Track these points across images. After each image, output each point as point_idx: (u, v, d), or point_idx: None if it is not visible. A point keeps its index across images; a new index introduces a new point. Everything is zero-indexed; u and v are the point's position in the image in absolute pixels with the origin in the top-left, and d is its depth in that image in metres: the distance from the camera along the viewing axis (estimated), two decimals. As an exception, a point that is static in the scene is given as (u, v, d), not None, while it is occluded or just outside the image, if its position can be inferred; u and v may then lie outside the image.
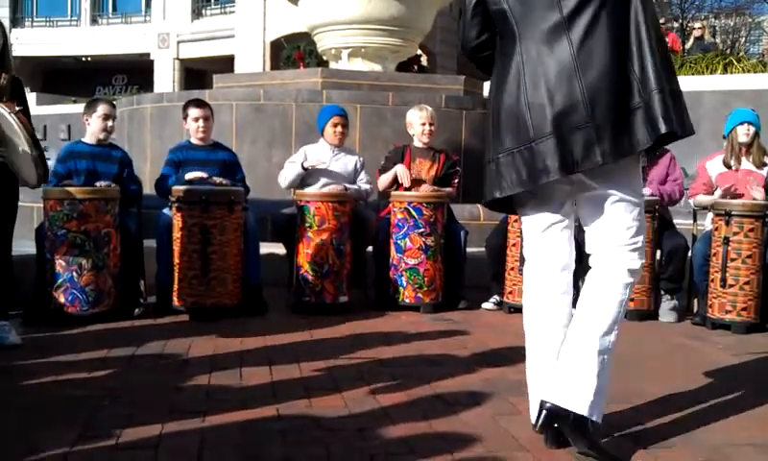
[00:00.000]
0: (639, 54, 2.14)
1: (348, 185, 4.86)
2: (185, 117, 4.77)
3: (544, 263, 2.43)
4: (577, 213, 2.41)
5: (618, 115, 2.13)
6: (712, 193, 4.65)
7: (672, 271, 4.61)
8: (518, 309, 4.61)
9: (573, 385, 2.23)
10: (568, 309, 2.42)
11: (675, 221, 4.92)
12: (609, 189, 2.25)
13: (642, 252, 2.31)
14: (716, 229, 4.35)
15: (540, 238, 2.42)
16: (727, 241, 4.25)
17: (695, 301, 4.66)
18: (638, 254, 2.29)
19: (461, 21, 2.46)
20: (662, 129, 2.11)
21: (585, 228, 2.37)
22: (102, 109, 4.49)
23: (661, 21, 11.43)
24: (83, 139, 4.58)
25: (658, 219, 4.57)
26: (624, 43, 2.15)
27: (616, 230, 2.28)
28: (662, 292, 4.65)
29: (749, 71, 8.03)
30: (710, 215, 4.55)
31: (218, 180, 4.52)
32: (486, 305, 4.77)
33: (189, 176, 4.49)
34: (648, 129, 2.13)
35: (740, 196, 4.47)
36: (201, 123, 4.69)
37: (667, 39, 11.62)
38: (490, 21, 2.38)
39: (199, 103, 4.80)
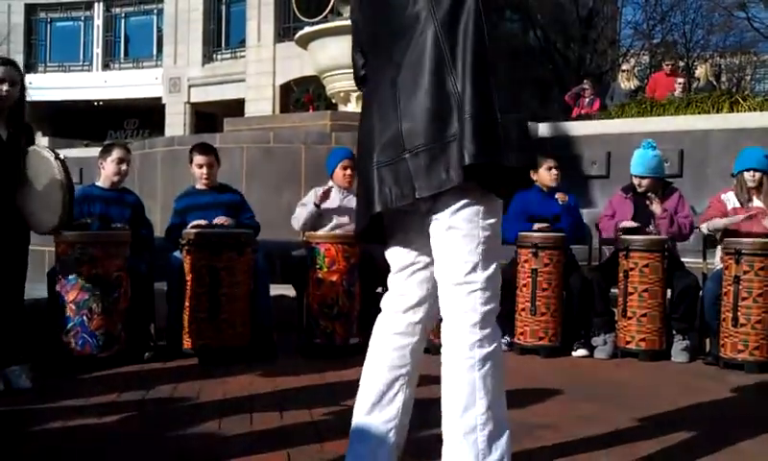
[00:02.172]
0: (462, 76, 1.92)
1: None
2: (191, 161, 4.83)
3: (390, 301, 2.23)
4: None
5: (436, 145, 1.92)
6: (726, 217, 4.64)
7: (683, 310, 4.59)
8: (530, 350, 4.61)
9: None
10: (402, 352, 2.17)
11: (684, 259, 4.92)
12: (443, 219, 2.00)
13: (484, 295, 1.99)
14: (726, 267, 4.33)
15: (393, 278, 2.23)
16: (737, 280, 4.23)
17: (707, 340, 4.62)
18: (477, 298, 1.98)
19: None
20: (466, 160, 1.88)
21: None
22: (116, 153, 4.55)
23: (670, 62, 11.44)
24: (96, 183, 4.63)
25: (667, 258, 4.56)
26: (450, 65, 1.94)
27: (450, 267, 2.01)
28: (674, 332, 4.62)
29: (755, 109, 8.05)
30: (720, 254, 4.55)
31: (221, 220, 4.54)
32: (496, 346, 4.74)
33: (190, 226, 4.49)
34: (461, 160, 1.90)
35: (755, 216, 4.49)
36: (204, 170, 4.75)
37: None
38: None
39: (203, 149, 4.83)
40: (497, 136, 1.91)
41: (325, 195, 4.86)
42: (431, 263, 2.12)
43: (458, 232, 1.99)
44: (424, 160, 1.93)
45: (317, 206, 4.83)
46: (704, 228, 4.79)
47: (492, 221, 2.02)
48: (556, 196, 4.92)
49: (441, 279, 2.05)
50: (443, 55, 1.95)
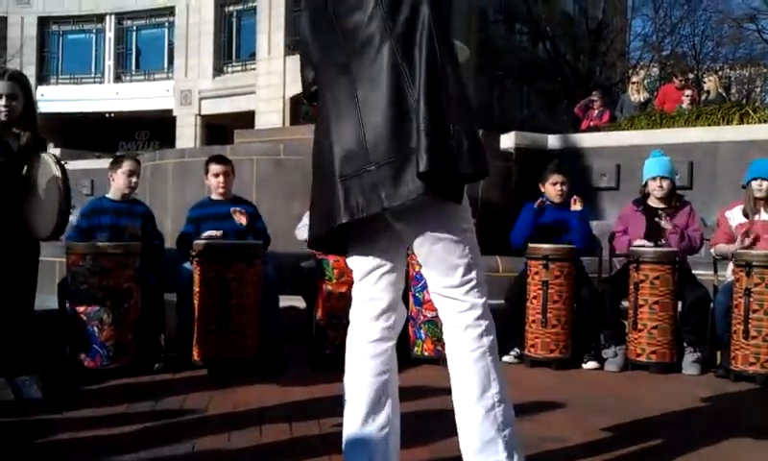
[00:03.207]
0: (418, 91, 2.03)
1: None
2: (206, 173, 4.86)
3: (359, 310, 2.29)
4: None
5: (400, 157, 2.02)
6: (733, 242, 4.65)
7: (694, 323, 4.57)
8: (540, 363, 4.60)
9: (481, 454, 2.15)
10: (384, 357, 2.26)
11: (696, 272, 4.90)
12: (424, 231, 2.13)
13: (480, 288, 2.19)
14: (737, 280, 4.31)
15: (359, 285, 2.29)
16: (748, 292, 4.21)
17: (718, 353, 4.59)
18: (474, 297, 2.17)
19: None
20: (421, 167, 1.97)
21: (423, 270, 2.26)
22: (127, 165, 4.58)
23: (682, 77, 11.42)
24: (107, 195, 4.66)
25: (678, 271, 4.55)
26: (409, 80, 2.05)
27: (444, 273, 2.17)
28: (685, 344, 4.60)
29: (765, 121, 8.03)
30: (731, 266, 4.53)
31: (236, 214, 4.56)
32: (506, 358, 4.74)
33: (204, 236, 4.52)
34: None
35: (757, 239, 4.47)
36: (221, 179, 4.78)
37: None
38: None
39: (219, 159, 4.89)
40: (449, 146, 2.00)
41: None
42: (396, 267, 2.27)
43: (446, 242, 2.14)
44: (390, 172, 2.03)
45: None
46: (712, 252, 4.81)
47: (468, 221, 2.19)
48: (572, 201, 4.92)
49: (437, 285, 2.20)
50: (401, 70, 2.05)
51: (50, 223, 3.50)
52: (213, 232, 4.52)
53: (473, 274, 2.18)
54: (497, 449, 2.14)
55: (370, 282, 2.26)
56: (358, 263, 2.28)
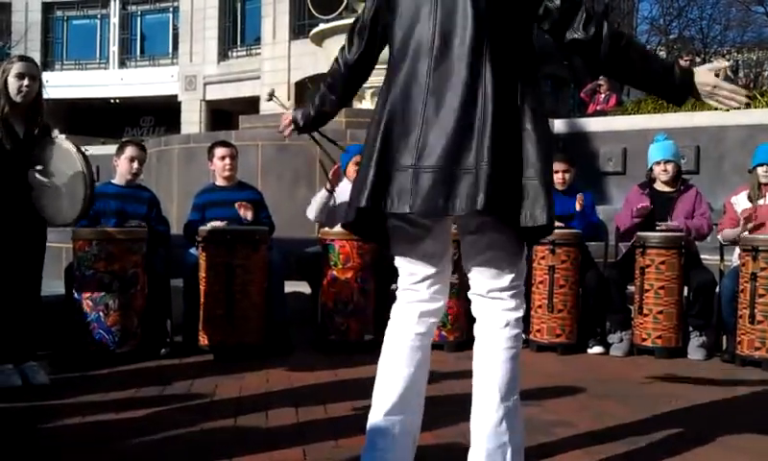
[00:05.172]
0: (483, 120, 2.00)
1: None
2: (211, 158, 4.85)
3: (408, 308, 2.28)
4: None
5: (447, 170, 2.01)
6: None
7: (700, 307, 4.56)
8: (545, 347, 4.60)
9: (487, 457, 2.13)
10: (426, 350, 2.27)
11: (702, 256, 4.88)
12: (503, 229, 2.11)
13: (522, 295, 2.21)
14: (743, 264, 4.30)
15: (410, 288, 2.28)
16: (754, 277, 4.19)
17: (724, 337, 4.59)
18: (519, 301, 2.19)
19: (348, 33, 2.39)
20: (479, 205, 1.96)
21: (465, 268, 2.24)
22: (129, 151, 4.59)
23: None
24: (112, 180, 4.67)
25: (684, 255, 4.53)
26: (523, 108, 2.06)
27: (496, 275, 2.17)
28: (691, 329, 4.59)
29: (773, 105, 7.98)
30: (738, 251, 4.51)
31: (243, 209, 4.56)
32: (511, 343, 4.73)
33: (209, 225, 4.46)
34: (469, 198, 1.98)
35: (762, 225, 4.44)
36: (227, 161, 4.78)
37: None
38: (371, 45, 2.35)
39: (224, 143, 4.92)
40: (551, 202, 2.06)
41: (335, 175, 4.87)
42: (447, 271, 2.30)
43: (510, 244, 2.15)
44: (428, 181, 2.01)
45: (329, 191, 4.83)
46: (719, 238, 4.79)
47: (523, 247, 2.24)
48: (576, 203, 4.87)
49: (484, 287, 2.18)
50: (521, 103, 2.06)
51: (71, 213, 3.53)
52: (217, 223, 4.49)
53: (522, 279, 2.21)
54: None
55: (423, 287, 2.26)
56: (412, 269, 2.26)
